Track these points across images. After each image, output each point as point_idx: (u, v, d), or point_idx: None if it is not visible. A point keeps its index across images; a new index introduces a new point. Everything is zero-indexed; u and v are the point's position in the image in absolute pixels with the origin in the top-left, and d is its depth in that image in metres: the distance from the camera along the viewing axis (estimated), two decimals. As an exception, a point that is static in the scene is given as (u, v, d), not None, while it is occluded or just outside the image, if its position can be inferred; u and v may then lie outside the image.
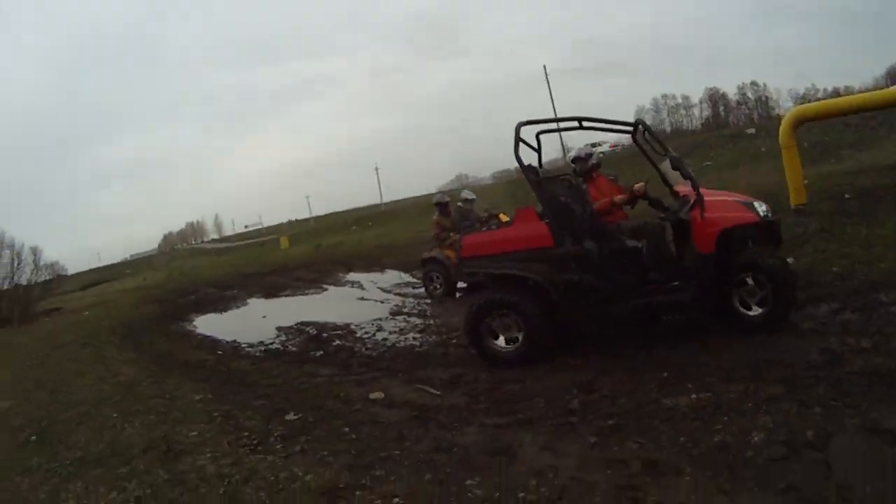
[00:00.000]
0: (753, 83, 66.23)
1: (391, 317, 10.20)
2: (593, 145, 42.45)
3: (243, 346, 9.50)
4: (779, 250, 6.07)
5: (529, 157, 6.46)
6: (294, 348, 8.87)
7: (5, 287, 22.40)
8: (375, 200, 78.57)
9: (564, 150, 50.59)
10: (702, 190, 5.62)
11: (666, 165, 6.13)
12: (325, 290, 16.23)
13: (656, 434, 3.68)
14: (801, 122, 11.00)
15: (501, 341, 5.86)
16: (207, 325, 13.99)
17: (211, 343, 10.16)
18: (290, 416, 5.33)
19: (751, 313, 5.43)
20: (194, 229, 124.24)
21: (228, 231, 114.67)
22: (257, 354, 8.88)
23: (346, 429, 4.78)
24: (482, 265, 6.20)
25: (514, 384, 5.17)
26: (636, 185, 6.28)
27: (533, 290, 5.76)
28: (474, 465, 3.68)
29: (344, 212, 75.81)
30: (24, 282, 23.94)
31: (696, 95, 71.39)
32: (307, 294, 16.26)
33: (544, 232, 5.81)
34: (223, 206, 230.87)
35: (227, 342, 9.85)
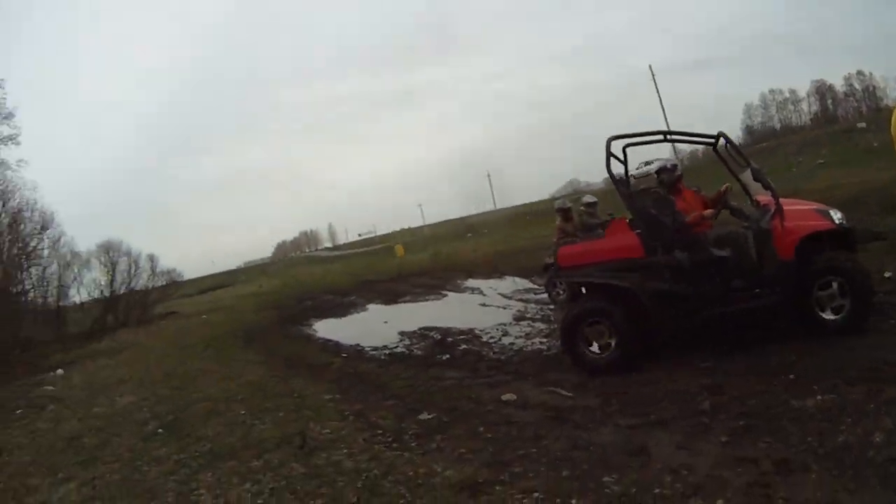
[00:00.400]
0: (860, 73, 63.15)
1: (515, 322, 10.35)
2: (646, 163, 43.01)
3: (367, 349, 9.88)
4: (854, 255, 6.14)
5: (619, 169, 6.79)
6: (419, 352, 9.11)
7: (122, 291, 23.22)
8: (488, 207, 77.87)
9: (675, 152, 50.12)
10: (781, 199, 5.88)
11: (747, 176, 6.38)
12: (445, 296, 16.33)
13: (785, 434, 3.84)
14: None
15: (595, 347, 6.14)
16: (328, 329, 14.45)
17: (334, 347, 10.54)
18: (424, 416, 5.62)
19: (833, 317, 5.60)
20: (308, 238, 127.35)
21: (342, 240, 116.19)
22: (382, 358, 9.15)
23: (482, 428, 5.05)
24: (578, 274, 6.54)
25: (645, 387, 5.37)
26: (723, 187, 6.61)
27: (625, 299, 6.05)
28: (611, 463, 3.91)
29: (457, 219, 75.93)
30: (140, 287, 24.83)
31: (804, 88, 68.65)
32: (427, 300, 16.36)
33: (636, 243, 6.14)
34: (337, 216, 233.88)
35: (350, 346, 10.25)
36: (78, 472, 5.43)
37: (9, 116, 14.88)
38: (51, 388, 9.21)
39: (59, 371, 10.82)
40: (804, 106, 68.84)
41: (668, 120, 47.11)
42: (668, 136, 6.83)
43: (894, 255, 8.01)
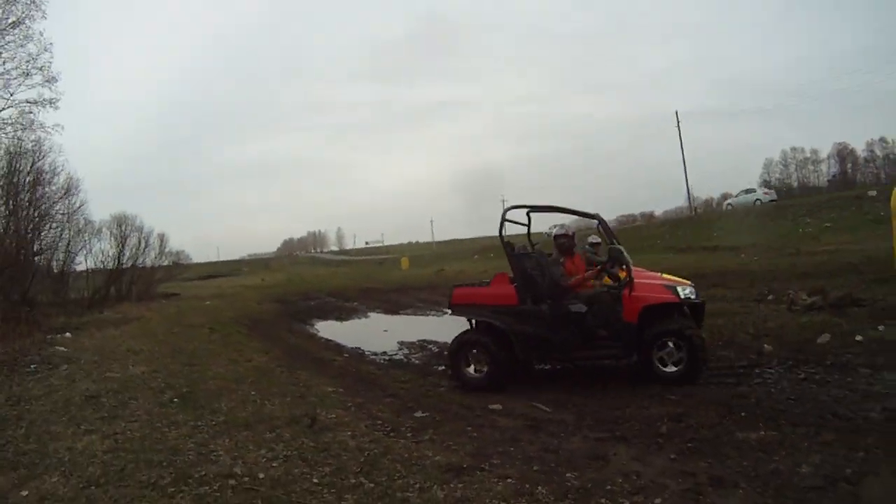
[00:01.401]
0: (882, 139, 63.98)
1: None
2: (748, 191, 44.55)
3: (367, 353, 10.57)
4: (700, 326, 7.62)
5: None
6: (417, 361, 9.80)
7: (128, 266, 23.10)
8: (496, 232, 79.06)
9: (690, 198, 51.02)
10: (640, 273, 7.52)
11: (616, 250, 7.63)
12: (446, 313, 16.79)
13: (725, 458, 4.49)
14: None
15: (472, 369, 7.58)
16: (330, 330, 15.07)
17: (336, 346, 11.14)
18: (419, 414, 6.28)
19: (673, 369, 6.94)
20: (315, 238, 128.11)
21: (349, 244, 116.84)
22: (382, 362, 9.85)
23: (469, 428, 5.74)
24: (466, 311, 8.04)
25: (615, 410, 6.07)
26: (597, 266, 8.25)
27: (499, 336, 7.48)
28: (575, 464, 4.60)
29: (466, 240, 76.27)
30: (147, 264, 24.83)
31: (826, 149, 69.61)
32: (428, 314, 17.04)
33: (512, 293, 7.62)
34: (346, 220, 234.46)
35: (352, 348, 10.85)
36: (99, 427, 5.67)
37: (52, 80, 15.32)
38: (62, 348, 9.16)
39: (67, 334, 10.79)
40: (823, 167, 69.61)
41: (688, 165, 47.97)
42: (556, 208, 8.27)
43: (870, 321, 8.60)
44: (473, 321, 8.03)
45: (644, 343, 7.03)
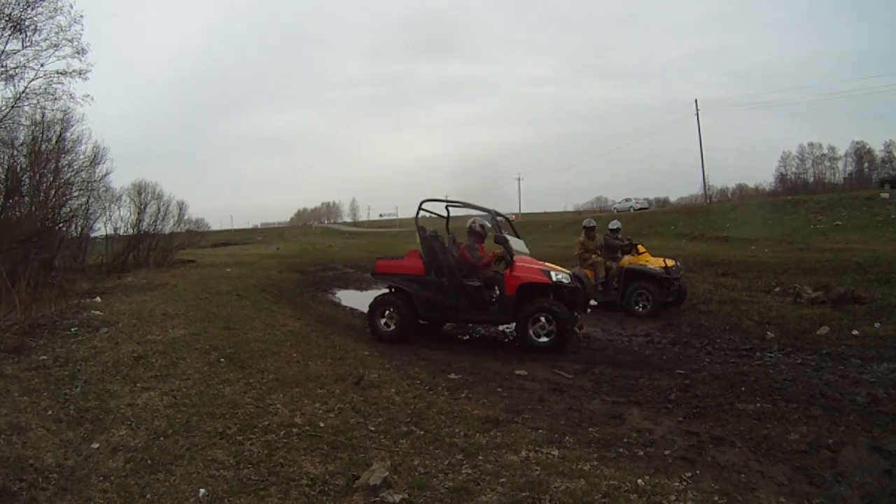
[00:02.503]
0: (901, 140, 63.74)
1: None
2: (626, 200, 57.90)
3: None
4: (580, 308, 9.52)
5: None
6: (442, 331, 10.46)
7: (148, 232, 23.79)
8: (513, 209, 78.65)
9: (706, 186, 51.72)
10: (521, 258, 9.20)
11: (512, 240, 9.49)
12: None
13: (725, 423, 5.20)
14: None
15: (384, 324, 9.44)
16: (352, 299, 15.53)
17: (361, 314, 11.57)
18: (452, 376, 6.93)
19: (545, 339, 8.45)
20: (329, 209, 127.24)
21: (363, 217, 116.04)
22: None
23: (499, 389, 6.45)
24: (384, 279, 9.94)
25: (630, 380, 6.79)
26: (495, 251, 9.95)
27: (406, 299, 9.37)
28: (595, 421, 5.34)
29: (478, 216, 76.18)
30: (166, 231, 25.55)
31: (843, 147, 69.30)
32: None
33: (420, 266, 9.52)
34: (361, 192, 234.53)
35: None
36: (154, 385, 5.87)
37: (81, 52, 15.69)
38: (98, 312, 9.08)
39: (97, 299, 10.74)
40: (840, 165, 69.34)
41: (705, 154, 48.34)
42: (465, 204, 10.10)
43: (867, 317, 9.27)
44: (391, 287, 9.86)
45: (521, 317, 8.61)
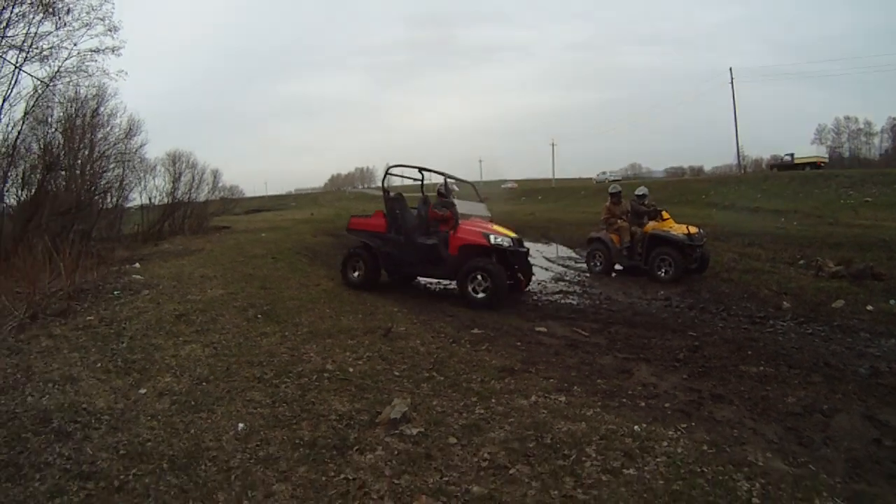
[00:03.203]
0: (941, 118, 61.90)
1: (554, 282, 12.20)
2: (602, 173, 66.47)
3: (421, 283, 11.73)
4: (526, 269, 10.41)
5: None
6: None
7: (183, 200, 24.38)
8: (546, 175, 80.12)
9: (740, 156, 51.28)
10: (469, 222, 10.25)
11: (464, 203, 11.01)
12: None
13: (727, 382, 5.52)
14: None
15: (354, 274, 10.58)
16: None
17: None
18: (475, 331, 7.34)
19: (477, 296, 9.23)
20: (363, 174, 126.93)
21: (396, 182, 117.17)
22: (436, 291, 11.03)
23: (518, 343, 6.84)
24: (356, 234, 11.09)
25: (643, 339, 7.13)
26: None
27: (371, 252, 10.50)
28: (605, 374, 5.73)
29: (517, 181, 76.31)
30: (201, 199, 26.05)
31: (880, 122, 67.46)
32: None
33: (383, 224, 10.64)
34: (395, 157, 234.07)
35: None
36: (196, 338, 6.36)
37: (113, 29, 16.01)
38: (138, 276, 9.56)
39: (137, 265, 11.23)
40: (876, 141, 67.69)
41: (740, 124, 47.74)
42: (428, 170, 11.01)
43: (884, 294, 9.37)
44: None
45: (460, 275, 9.45)
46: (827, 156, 49.43)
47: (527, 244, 10.71)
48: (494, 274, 9.12)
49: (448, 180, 10.81)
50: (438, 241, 10.05)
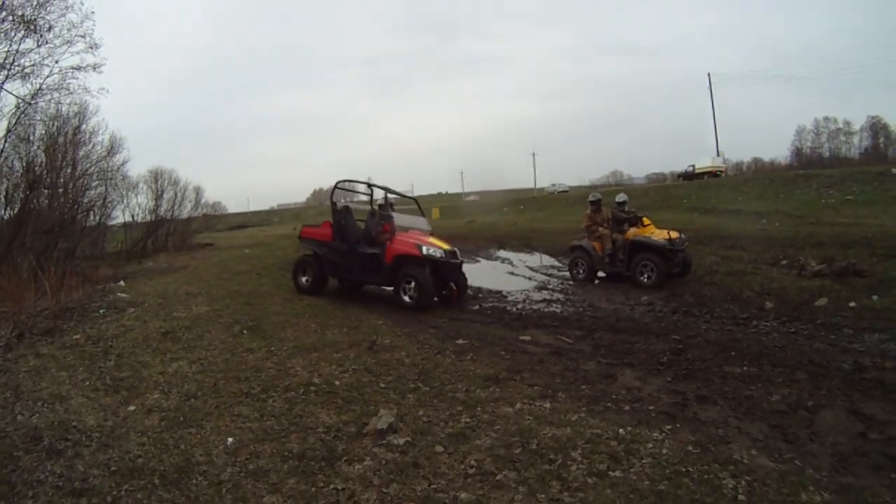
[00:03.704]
0: (917, 115, 62.89)
1: (537, 290, 12.22)
2: (553, 185, 70.55)
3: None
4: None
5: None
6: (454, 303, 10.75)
7: (166, 218, 24.44)
8: (527, 185, 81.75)
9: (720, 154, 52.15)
10: (406, 234, 10.79)
11: (400, 216, 11.45)
12: (478, 261, 18.19)
13: (711, 384, 5.54)
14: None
15: (303, 279, 11.25)
16: None
17: (375, 289, 11.99)
18: (460, 341, 7.34)
19: (407, 300, 9.97)
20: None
21: (378, 194, 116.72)
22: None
23: (503, 352, 6.84)
24: (306, 242, 11.75)
25: (627, 345, 7.15)
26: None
27: (318, 260, 11.20)
28: (589, 380, 5.74)
29: (495, 192, 76.71)
30: (184, 216, 26.17)
31: (859, 121, 68.51)
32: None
33: (330, 233, 11.26)
34: (375, 170, 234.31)
35: (390, 290, 11.72)
36: (183, 355, 6.48)
37: (94, 47, 16.07)
38: (124, 295, 9.65)
39: (121, 283, 11.42)
40: (855, 139, 68.66)
41: (719, 128, 48.34)
42: (374, 185, 12.02)
43: (866, 290, 9.46)
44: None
45: (395, 282, 10.20)
46: (724, 165, 51.86)
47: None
48: (421, 282, 9.88)
49: (388, 195, 12.12)
50: (378, 251, 10.65)
